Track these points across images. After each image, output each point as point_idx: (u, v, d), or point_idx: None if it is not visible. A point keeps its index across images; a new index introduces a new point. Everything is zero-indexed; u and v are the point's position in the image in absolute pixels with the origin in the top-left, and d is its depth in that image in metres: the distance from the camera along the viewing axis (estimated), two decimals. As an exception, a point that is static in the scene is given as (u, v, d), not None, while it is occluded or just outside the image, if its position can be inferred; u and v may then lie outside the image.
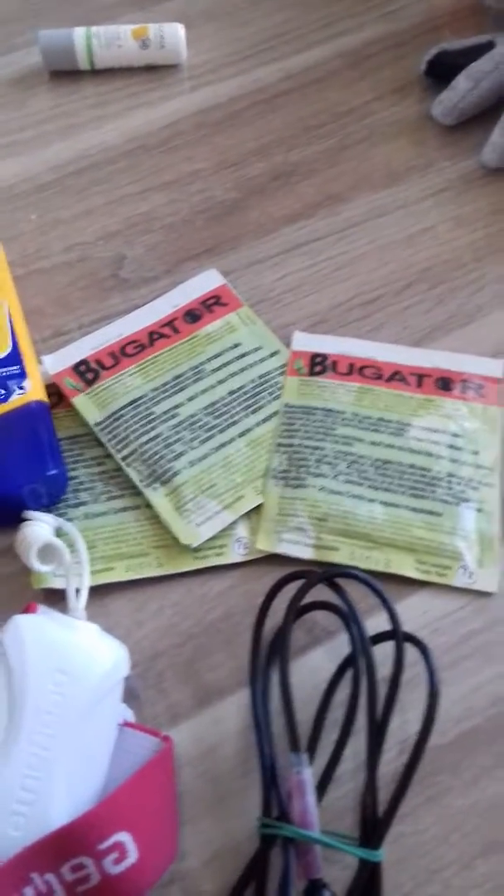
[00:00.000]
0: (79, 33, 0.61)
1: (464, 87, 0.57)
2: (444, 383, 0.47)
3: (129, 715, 0.37)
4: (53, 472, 0.42)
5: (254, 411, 0.46)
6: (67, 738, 0.34)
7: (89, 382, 0.47)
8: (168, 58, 0.62)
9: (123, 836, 0.32)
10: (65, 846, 0.32)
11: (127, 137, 0.59)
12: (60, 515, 0.43)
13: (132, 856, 0.32)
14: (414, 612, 0.41)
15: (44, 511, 0.42)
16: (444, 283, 0.52)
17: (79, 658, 0.36)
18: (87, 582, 0.40)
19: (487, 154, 0.56)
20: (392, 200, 0.56)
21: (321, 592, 0.39)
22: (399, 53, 0.64)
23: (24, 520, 0.42)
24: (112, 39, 0.61)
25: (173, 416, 0.46)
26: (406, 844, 0.36)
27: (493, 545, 0.42)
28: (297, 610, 0.37)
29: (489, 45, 0.59)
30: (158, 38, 0.61)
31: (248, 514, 0.44)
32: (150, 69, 0.63)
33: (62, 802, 0.33)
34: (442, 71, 0.60)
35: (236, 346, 0.49)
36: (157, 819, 0.34)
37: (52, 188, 0.57)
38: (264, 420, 0.46)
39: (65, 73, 0.63)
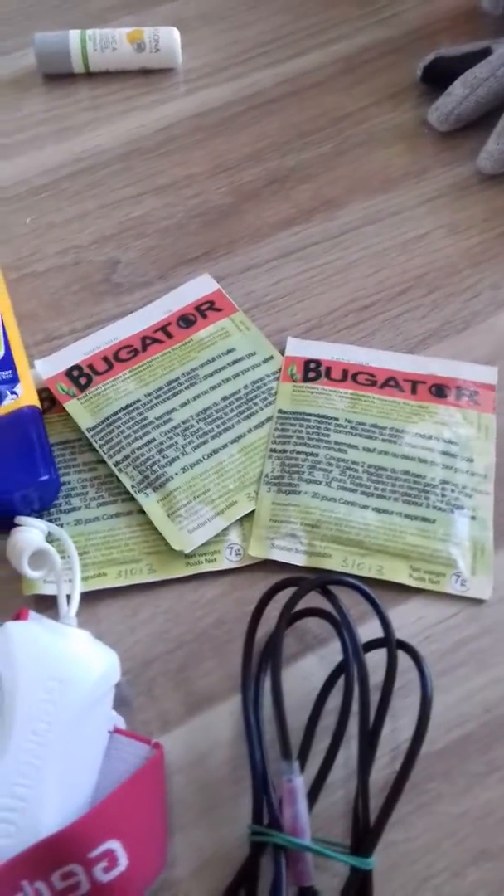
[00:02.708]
0: (74, 36, 0.61)
1: (460, 94, 0.57)
2: (439, 390, 0.47)
3: (120, 722, 0.37)
4: (45, 477, 0.42)
5: (247, 417, 0.46)
6: (58, 746, 0.34)
7: (82, 387, 0.47)
8: (163, 61, 0.62)
9: (114, 844, 0.32)
10: (55, 854, 0.31)
11: (122, 141, 0.59)
12: (52, 521, 0.43)
13: (122, 864, 0.32)
14: (407, 619, 0.41)
15: (35, 516, 0.42)
16: (439, 290, 0.52)
17: (70, 665, 0.35)
18: (78, 588, 0.40)
19: (483, 161, 0.56)
20: (387, 206, 0.56)
21: (313, 599, 0.39)
22: (395, 59, 0.64)
23: (16, 525, 0.42)
24: (107, 43, 0.61)
25: (167, 422, 0.46)
26: (397, 852, 0.36)
27: (486, 552, 0.42)
28: (289, 617, 0.37)
29: (486, 52, 0.59)
30: (153, 41, 0.61)
31: (240, 521, 0.44)
32: (145, 73, 0.63)
33: (53, 810, 0.33)
34: (438, 77, 0.60)
35: (230, 351, 0.49)
36: (148, 827, 0.34)
37: (46, 191, 0.57)
38: (257, 426, 0.46)
39: (60, 75, 0.63)
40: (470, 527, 0.43)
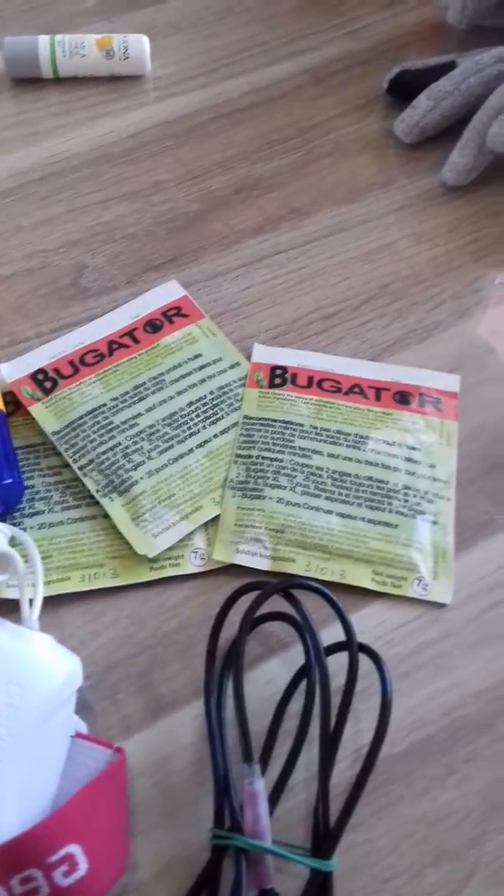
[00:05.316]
0: (43, 41, 0.61)
1: (424, 107, 0.58)
2: (402, 397, 0.48)
3: (82, 727, 0.37)
4: (9, 481, 0.42)
5: (213, 422, 0.46)
6: (18, 750, 0.34)
7: (47, 391, 0.47)
8: (132, 68, 0.62)
9: (74, 849, 0.32)
10: (14, 858, 0.31)
11: (90, 146, 0.59)
12: (15, 525, 0.43)
13: (82, 868, 0.32)
14: (369, 622, 0.42)
15: (-1, 520, 0.42)
16: (404, 299, 0.53)
17: (31, 669, 0.35)
18: (41, 592, 0.40)
19: (447, 173, 0.57)
20: (354, 216, 0.56)
21: (277, 603, 0.39)
22: (363, 71, 0.64)
23: (-21, 528, 0.42)
24: (76, 48, 0.61)
25: (132, 426, 0.46)
26: (357, 854, 0.36)
27: (447, 557, 0.43)
28: (252, 621, 0.37)
29: (450, 66, 0.60)
30: (122, 48, 0.61)
31: (205, 525, 0.44)
32: (114, 79, 0.63)
33: (12, 814, 0.33)
34: (404, 89, 0.61)
35: (196, 357, 0.49)
36: (109, 831, 0.34)
37: (13, 195, 0.57)
38: (223, 431, 0.46)
39: (28, 80, 0.63)
40: (432, 532, 0.43)
